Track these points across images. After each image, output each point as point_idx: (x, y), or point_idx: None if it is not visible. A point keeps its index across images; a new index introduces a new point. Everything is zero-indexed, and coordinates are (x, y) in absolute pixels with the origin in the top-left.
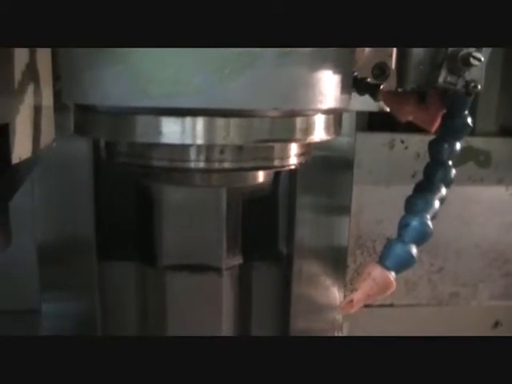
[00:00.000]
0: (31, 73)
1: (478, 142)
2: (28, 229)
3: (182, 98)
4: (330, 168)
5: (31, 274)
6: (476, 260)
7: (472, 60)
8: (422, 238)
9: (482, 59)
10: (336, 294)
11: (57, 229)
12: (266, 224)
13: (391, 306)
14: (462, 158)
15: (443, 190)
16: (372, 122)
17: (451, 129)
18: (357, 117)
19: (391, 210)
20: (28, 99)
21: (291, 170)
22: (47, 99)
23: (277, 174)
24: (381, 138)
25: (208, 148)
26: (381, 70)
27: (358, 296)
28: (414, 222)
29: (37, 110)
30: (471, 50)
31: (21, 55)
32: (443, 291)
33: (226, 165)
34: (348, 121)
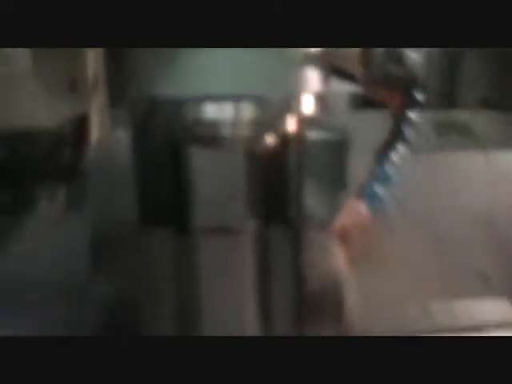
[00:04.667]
0: (97, 76)
1: (459, 115)
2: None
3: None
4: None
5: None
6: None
7: (405, 59)
8: (387, 179)
9: (415, 57)
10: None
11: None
12: (279, 192)
13: None
14: (445, 130)
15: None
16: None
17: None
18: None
19: None
20: (97, 97)
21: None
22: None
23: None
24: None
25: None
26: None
27: (337, 223)
28: (381, 168)
29: (100, 107)
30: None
31: (90, 59)
32: None
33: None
34: (343, 101)
